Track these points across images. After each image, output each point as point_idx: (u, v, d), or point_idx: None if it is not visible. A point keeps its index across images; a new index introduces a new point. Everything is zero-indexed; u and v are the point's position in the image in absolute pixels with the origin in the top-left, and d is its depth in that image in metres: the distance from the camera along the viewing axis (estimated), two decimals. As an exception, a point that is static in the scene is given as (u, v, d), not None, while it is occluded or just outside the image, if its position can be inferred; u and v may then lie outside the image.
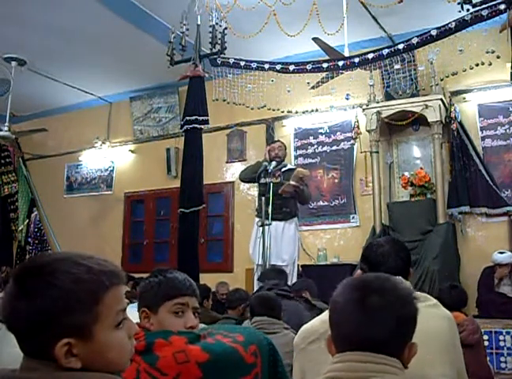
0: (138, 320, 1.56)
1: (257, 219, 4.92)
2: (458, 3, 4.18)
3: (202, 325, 1.73)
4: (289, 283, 4.88)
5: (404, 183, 6.09)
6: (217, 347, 1.43)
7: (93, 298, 0.89)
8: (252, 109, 5.61)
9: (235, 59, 5.26)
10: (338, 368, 1.09)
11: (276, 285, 3.59)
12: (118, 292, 0.94)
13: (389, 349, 1.07)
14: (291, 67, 5.10)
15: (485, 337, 4.17)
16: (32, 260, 0.93)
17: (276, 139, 6.51)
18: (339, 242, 6.63)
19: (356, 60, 4.86)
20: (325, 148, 6.90)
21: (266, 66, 5.20)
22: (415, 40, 4.57)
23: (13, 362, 0.96)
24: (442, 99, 5.86)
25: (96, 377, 0.89)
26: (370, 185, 6.20)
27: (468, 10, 4.19)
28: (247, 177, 5.35)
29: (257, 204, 5.41)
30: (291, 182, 4.92)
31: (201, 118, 5.13)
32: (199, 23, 5.16)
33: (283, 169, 5.13)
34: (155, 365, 1.35)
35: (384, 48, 4.81)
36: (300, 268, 5.58)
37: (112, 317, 0.91)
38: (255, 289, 4.84)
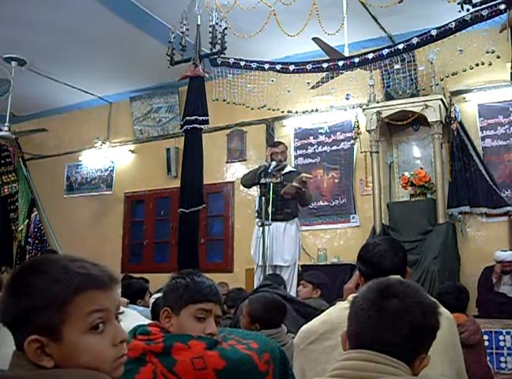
0: (137, 323, 1.55)
1: (257, 220, 4.91)
2: (458, 3, 4.17)
3: None
4: (290, 284, 4.89)
5: (404, 183, 6.09)
6: (233, 353, 1.44)
7: (63, 298, 0.90)
8: (252, 109, 5.60)
9: (235, 59, 5.25)
10: (343, 366, 1.08)
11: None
12: (97, 296, 0.93)
13: (399, 353, 1.06)
14: (291, 67, 5.09)
15: (485, 337, 4.16)
16: (28, 260, 1.00)
17: (276, 140, 6.49)
18: (339, 242, 6.63)
19: (356, 60, 4.85)
20: (325, 148, 6.90)
21: (266, 66, 5.20)
22: (415, 40, 4.56)
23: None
24: (442, 99, 5.85)
25: (70, 373, 0.89)
26: (370, 185, 6.20)
27: (468, 10, 4.18)
28: (249, 182, 5.26)
29: (257, 204, 5.38)
30: (294, 184, 4.90)
31: (201, 118, 5.12)
32: (199, 23, 5.15)
33: (283, 171, 5.10)
34: (172, 369, 1.35)
35: (384, 48, 4.80)
36: (300, 269, 5.58)
37: (83, 320, 0.91)
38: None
